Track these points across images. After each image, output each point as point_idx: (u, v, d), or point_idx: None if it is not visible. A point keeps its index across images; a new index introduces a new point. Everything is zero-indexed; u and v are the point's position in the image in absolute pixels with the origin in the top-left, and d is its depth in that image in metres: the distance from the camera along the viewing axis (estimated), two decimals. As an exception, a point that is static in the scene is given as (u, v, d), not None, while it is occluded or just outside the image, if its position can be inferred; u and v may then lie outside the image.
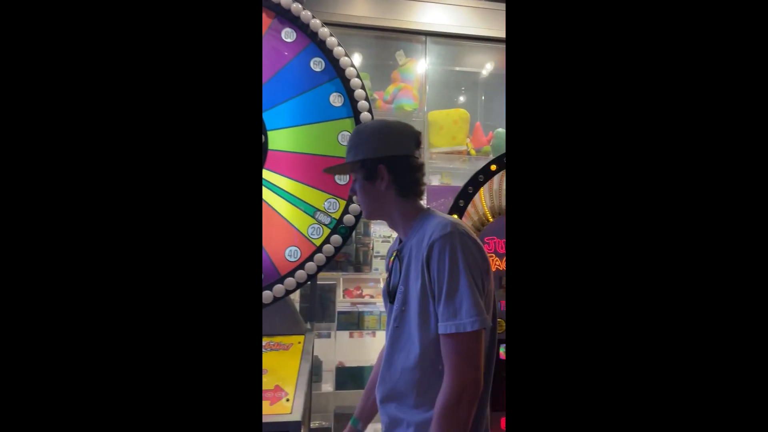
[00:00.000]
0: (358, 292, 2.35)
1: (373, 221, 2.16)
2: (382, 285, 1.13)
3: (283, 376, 1.25)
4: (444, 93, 2.52)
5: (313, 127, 1.61)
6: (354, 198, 0.96)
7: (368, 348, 2.20)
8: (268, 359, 1.35)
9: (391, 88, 2.27)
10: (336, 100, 1.63)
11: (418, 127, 2.28)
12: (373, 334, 2.17)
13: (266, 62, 1.56)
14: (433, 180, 2.27)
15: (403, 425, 0.82)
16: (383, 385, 0.87)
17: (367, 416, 1.00)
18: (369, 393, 1.01)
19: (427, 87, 2.28)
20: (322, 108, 1.61)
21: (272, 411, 1.11)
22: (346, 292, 2.30)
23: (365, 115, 1.61)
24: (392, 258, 0.92)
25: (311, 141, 1.60)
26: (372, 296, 2.29)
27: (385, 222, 0.96)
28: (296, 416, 1.09)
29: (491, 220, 1.52)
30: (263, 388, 1.20)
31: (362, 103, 1.61)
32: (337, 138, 1.62)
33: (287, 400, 1.15)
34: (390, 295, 0.91)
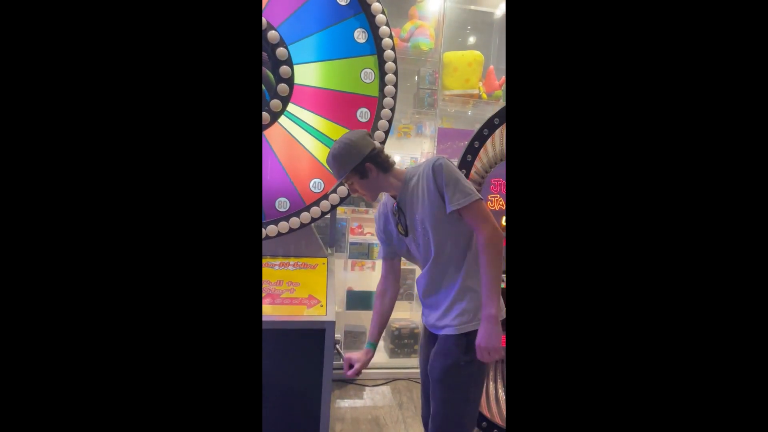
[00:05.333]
0: (360, 230, 2.52)
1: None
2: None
3: (314, 288, 1.44)
4: (459, 33, 2.50)
5: (337, 63, 1.66)
6: (355, 193, 1.22)
7: (371, 277, 2.43)
8: (299, 275, 1.53)
9: (408, 26, 2.25)
10: (360, 36, 1.65)
11: (433, 68, 2.30)
12: (373, 268, 2.39)
13: (293, -7, 1.56)
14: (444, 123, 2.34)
15: (458, 301, 1.10)
16: (431, 283, 1.14)
17: (377, 339, 1.24)
18: (376, 321, 1.25)
19: (444, 26, 2.27)
20: (346, 44, 1.64)
21: (310, 314, 1.30)
22: (349, 230, 2.46)
23: (388, 54, 1.65)
24: (394, 211, 1.20)
25: (334, 77, 1.65)
26: (373, 234, 2.47)
27: None
28: (330, 317, 1.28)
29: (495, 165, 1.64)
30: (299, 296, 1.38)
31: (386, 41, 1.64)
32: (360, 75, 1.67)
33: (321, 305, 1.34)
34: (405, 230, 1.19)
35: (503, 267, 1.08)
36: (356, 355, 1.19)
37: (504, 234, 1.09)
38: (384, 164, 1.16)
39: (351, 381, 2.21)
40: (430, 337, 1.19)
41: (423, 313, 1.22)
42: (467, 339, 1.07)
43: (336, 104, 1.67)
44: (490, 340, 1.02)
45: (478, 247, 1.09)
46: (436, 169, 1.09)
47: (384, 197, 1.26)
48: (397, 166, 1.21)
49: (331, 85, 1.66)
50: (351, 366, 1.16)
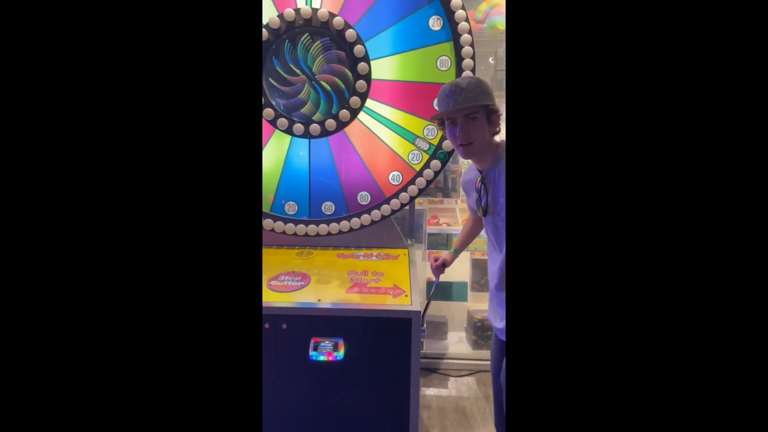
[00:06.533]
0: (435, 221, 2.50)
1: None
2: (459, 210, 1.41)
3: (397, 278, 1.47)
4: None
5: (413, 53, 1.65)
6: (455, 140, 1.10)
7: (449, 269, 2.41)
8: (382, 266, 1.58)
9: (483, 6, 2.16)
10: (435, 23, 1.62)
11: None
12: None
13: (367, -11, 1.59)
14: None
15: None
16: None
17: (461, 249, 1.46)
18: (462, 236, 1.46)
19: (523, 1, 2.13)
20: (421, 33, 1.63)
21: (395, 303, 1.34)
22: (426, 221, 2.45)
23: (465, 38, 1.60)
24: (477, 183, 1.14)
25: (411, 68, 1.65)
26: (449, 224, 2.43)
27: None
28: (416, 307, 1.31)
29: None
30: (384, 285, 1.43)
31: (463, 25, 1.59)
32: (436, 63, 1.64)
33: (405, 295, 1.37)
34: (484, 210, 1.13)
35: None
36: (441, 254, 1.33)
37: None
38: (497, 124, 1.09)
39: (435, 370, 2.23)
40: (503, 346, 1.13)
41: (496, 313, 1.14)
42: None
43: (412, 95, 1.66)
44: None
45: None
46: None
47: (468, 166, 1.20)
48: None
49: (407, 76, 1.66)
50: (436, 260, 1.33)
